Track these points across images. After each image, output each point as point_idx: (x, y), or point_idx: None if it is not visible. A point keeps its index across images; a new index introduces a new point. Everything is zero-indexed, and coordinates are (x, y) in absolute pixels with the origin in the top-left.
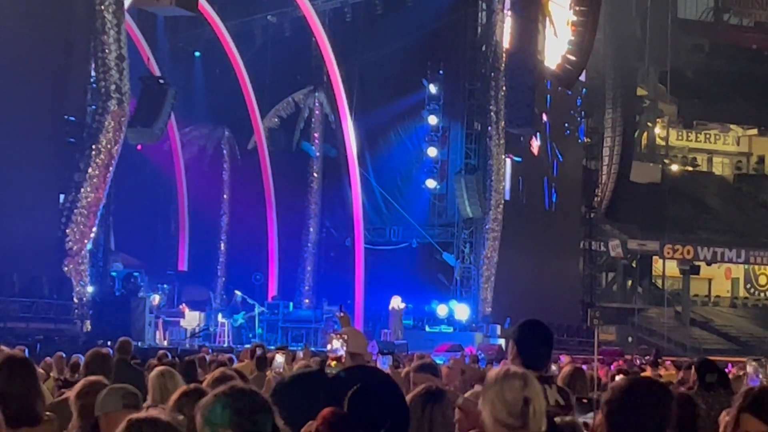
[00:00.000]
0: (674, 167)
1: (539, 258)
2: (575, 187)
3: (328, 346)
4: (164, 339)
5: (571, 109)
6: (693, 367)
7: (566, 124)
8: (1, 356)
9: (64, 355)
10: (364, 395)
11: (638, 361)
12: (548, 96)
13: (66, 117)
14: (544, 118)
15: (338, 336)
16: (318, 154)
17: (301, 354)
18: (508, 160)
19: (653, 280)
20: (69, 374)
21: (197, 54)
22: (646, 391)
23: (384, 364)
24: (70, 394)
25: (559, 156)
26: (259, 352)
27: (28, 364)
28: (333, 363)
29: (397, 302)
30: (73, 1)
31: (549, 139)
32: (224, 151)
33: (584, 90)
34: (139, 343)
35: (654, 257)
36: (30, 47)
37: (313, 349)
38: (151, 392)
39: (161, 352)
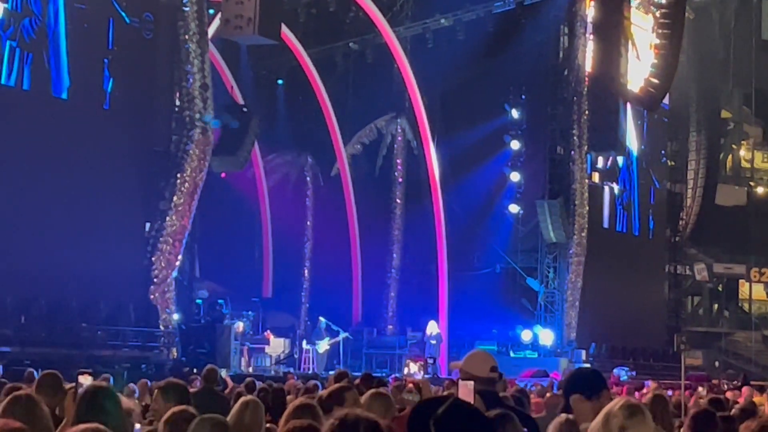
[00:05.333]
0: (760, 189)
1: (624, 282)
2: (660, 210)
3: (405, 370)
4: (249, 366)
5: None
6: None
7: (663, 152)
8: (86, 386)
9: (149, 383)
10: None
11: (725, 386)
12: (644, 123)
13: (151, 146)
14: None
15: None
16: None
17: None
18: (606, 188)
19: (740, 304)
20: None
21: (280, 82)
22: None
23: None
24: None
25: (656, 182)
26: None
27: (110, 393)
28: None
29: (434, 328)
30: (157, 31)
31: (645, 165)
32: (307, 178)
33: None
34: (225, 370)
35: (740, 280)
36: (115, 78)
37: (397, 375)
38: (232, 421)
39: (249, 379)
